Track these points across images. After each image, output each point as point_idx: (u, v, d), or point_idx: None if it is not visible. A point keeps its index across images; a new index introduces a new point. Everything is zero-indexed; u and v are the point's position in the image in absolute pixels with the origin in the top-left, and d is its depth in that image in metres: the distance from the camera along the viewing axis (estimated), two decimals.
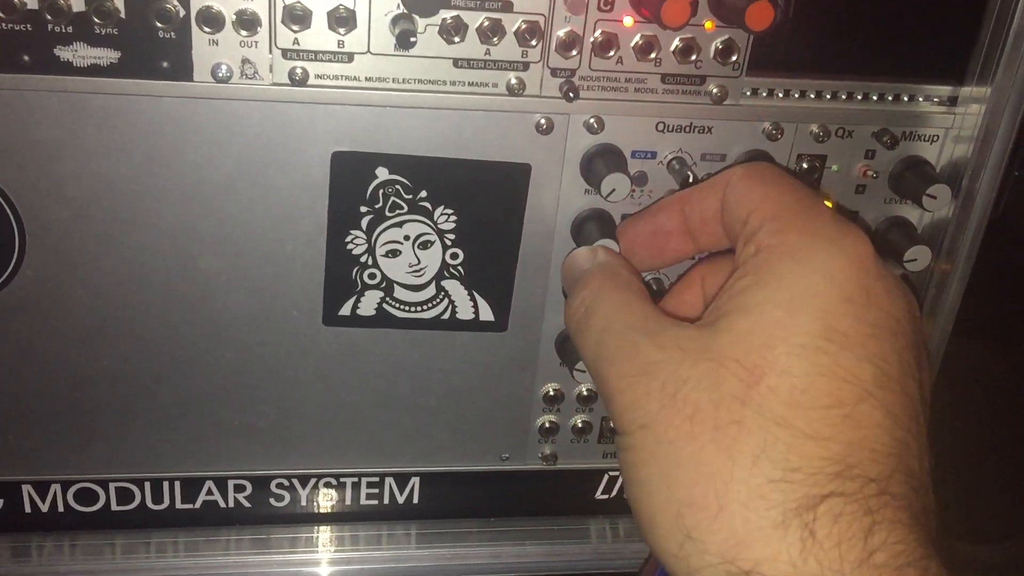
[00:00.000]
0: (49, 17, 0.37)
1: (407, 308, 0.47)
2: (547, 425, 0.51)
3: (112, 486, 0.50)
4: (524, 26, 0.40)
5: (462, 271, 0.46)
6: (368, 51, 0.40)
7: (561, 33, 0.41)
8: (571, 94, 0.42)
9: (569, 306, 0.39)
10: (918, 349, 0.34)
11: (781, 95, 0.44)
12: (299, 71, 0.40)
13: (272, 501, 0.52)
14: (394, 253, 0.45)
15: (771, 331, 0.32)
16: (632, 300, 0.37)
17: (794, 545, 0.30)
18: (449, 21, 0.40)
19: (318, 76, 0.40)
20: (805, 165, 0.46)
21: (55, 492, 0.50)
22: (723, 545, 0.31)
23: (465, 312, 0.47)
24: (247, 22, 0.39)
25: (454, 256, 0.46)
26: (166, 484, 0.51)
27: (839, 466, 0.31)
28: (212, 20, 0.38)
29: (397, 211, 0.44)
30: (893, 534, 0.30)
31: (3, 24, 0.38)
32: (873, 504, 0.30)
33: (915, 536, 0.30)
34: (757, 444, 0.31)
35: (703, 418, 0.32)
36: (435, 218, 0.45)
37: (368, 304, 0.46)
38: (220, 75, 0.40)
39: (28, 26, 0.38)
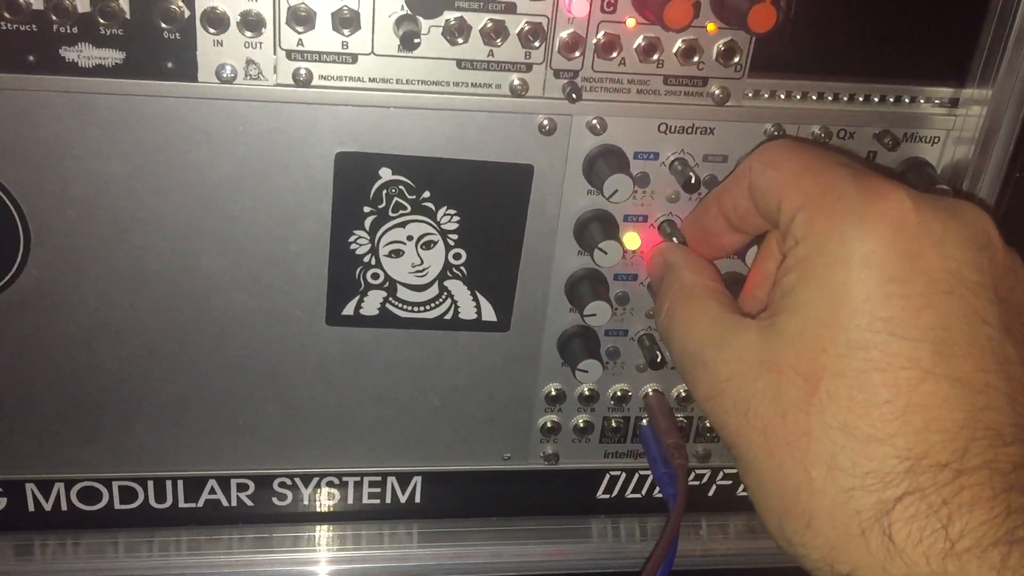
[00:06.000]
0: (54, 18, 0.38)
1: (410, 308, 0.47)
2: (549, 425, 0.51)
3: (115, 485, 0.51)
4: (527, 27, 0.40)
5: (465, 271, 0.46)
6: (372, 52, 0.40)
7: (564, 34, 0.41)
8: (574, 95, 0.42)
9: (655, 320, 0.42)
10: (998, 277, 0.33)
11: (783, 96, 0.44)
12: (303, 72, 0.40)
13: (275, 500, 0.53)
14: (397, 253, 0.45)
15: (818, 332, 0.32)
16: (699, 310, 0.38)
17: (879, 550, 0.31)
18: (453, 22, 0.40)
19: (322, 77, 0.41)
20: None
21: (58, 491, 0.50)
22: (820, 551, 0.32)
23: (468, 312, 0.47)
24: (252, 23, 0.39)
25: (457, 256, 0.46)
26: (169, 483, 0.51)
27: (908, 461, 0.31)
28: (217, 21, 0.39)
29: (400, 211, 0.44)
30: (974, 517, 0.30)
31: (8, 24, 0.38)
32: (947, 492, 0.30)
33: (1000, 509, 0.30)
34: (827, 454, 0.32)
35: (774, 432, 0.33)
36: (438, 218, 0.45)
37: (371, 304, 0.47)
38: (224, 76, 0.40)
39: (33, 26, 0.38)
